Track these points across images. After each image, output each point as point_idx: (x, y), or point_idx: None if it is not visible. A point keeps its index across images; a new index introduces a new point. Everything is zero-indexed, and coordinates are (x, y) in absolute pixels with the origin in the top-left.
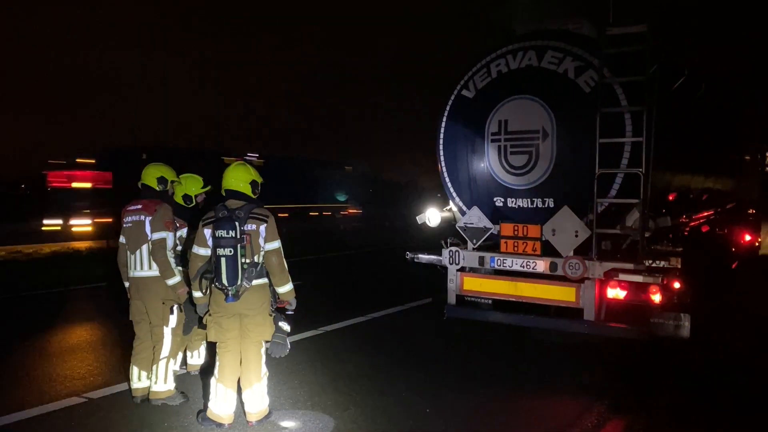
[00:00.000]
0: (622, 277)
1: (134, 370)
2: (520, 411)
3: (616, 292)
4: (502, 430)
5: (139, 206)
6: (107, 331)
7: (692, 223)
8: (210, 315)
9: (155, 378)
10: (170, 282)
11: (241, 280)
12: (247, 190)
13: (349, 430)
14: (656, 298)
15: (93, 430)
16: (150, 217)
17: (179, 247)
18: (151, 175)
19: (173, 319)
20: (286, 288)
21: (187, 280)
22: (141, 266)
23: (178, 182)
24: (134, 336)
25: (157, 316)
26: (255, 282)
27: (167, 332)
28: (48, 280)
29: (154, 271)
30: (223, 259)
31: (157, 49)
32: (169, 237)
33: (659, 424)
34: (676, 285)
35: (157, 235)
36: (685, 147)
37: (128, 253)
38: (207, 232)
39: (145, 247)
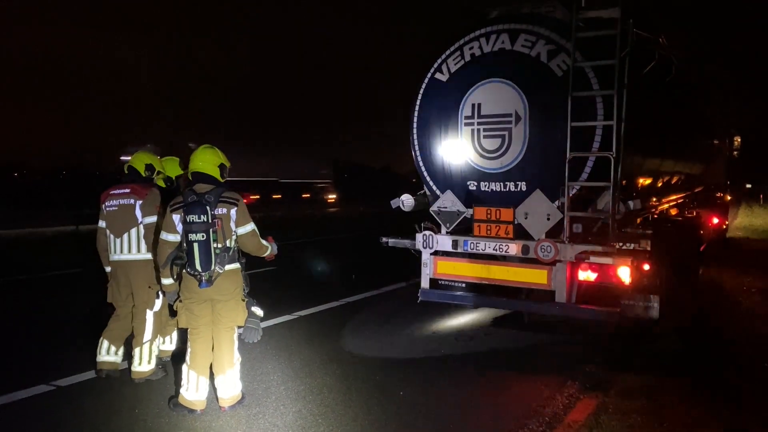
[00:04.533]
0: (593, 259)
1: (104, 344)
2: (494, 392)
3: (587, 275)
4: (475, 412)
5: (127, 190)
6: (75, 318)
7: (662, 207)
8: (181, 301)
9: (139, 360)
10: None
11: (214, 265)
12: (216, 173)
13: (323, 414)
14: (626, 280)
15: (62, 418)
16: (141, 201)
17: None
18: (141, 160)
19: (158, 303)
20: (266, 253)
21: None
22: (129, 249)
23: (163, 174)
24: (110, 316)
25: (142, 299)
26: (228, 267)
27: (150, 315)
28: (14, 266)
29: (143, 255)
30: (195, 245)
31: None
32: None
33: (630, 403)
34: (646, 267)
35: (149, 219)
36: (655, 131)
37: (112, 237)
38: (176, 217)
39: (134, 231)
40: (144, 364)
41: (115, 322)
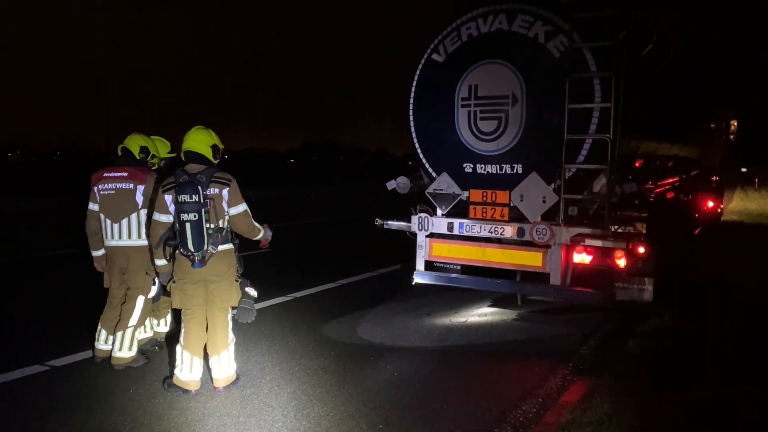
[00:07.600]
0: (588, 242)
1: (102, 333)
2: (487, 375)
3: (582, 257)
4: (469, 393)
5: (124, 174)
6: (69, 298)
7: (657, 190)
8: (174, 282)
9: (120, 345)
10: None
11: (207, 246)
12: (208, 153)
13: (317, 395)
14: (621, 262)
15: (57, 398)
16: (143, 186)
17: None
18: (136, 142)
19: (154, 290)
20: (258, 236)
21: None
22: (129, 235)
23: (158, 158)
24: (104, 303)
25: (137, 284)
26: (221, 247)
27: (141, 301)
28: (8, 245)
29: (143, 241)
30: (187, 225)
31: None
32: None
33: (623, 385)
34: (641, 250)
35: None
36: (652, 114)
37: (108, 222)
38: (168, 198)
39: (134, 217)
40: (125, 350)
41: (109, 309)
